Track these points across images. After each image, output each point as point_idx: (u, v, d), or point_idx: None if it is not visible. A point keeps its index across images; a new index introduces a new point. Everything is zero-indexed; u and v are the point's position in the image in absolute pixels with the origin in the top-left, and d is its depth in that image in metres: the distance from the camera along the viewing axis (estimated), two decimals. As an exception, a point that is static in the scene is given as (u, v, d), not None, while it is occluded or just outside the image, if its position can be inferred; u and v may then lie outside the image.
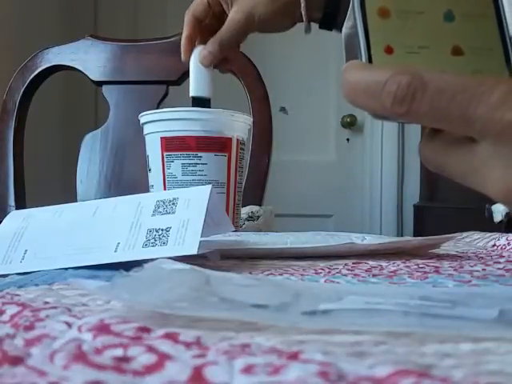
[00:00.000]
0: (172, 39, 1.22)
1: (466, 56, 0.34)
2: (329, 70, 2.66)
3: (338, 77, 2.59)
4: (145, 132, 0.82)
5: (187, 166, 0.77)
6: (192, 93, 0.81)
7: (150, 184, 0.81)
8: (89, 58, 1.23)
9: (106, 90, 1.24)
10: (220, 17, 0.85)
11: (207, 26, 0.86)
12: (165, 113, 0.79)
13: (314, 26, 0.82)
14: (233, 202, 0.80)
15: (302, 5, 0.79)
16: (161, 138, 0.79)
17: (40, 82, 1.25)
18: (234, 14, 0.82)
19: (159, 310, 0.28)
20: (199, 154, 0.77)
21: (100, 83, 1.24)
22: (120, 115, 1.23)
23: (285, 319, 0.28)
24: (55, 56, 1.24)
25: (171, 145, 0.78)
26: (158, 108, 1.17)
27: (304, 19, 0.80)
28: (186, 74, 1.21)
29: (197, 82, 0.81)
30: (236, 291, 0.32)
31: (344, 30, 0.73)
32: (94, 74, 1.23)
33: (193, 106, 0.80)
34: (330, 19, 0.80)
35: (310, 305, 0.29)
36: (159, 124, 0.79)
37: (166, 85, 1.22)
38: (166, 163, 0.78)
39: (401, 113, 0.32)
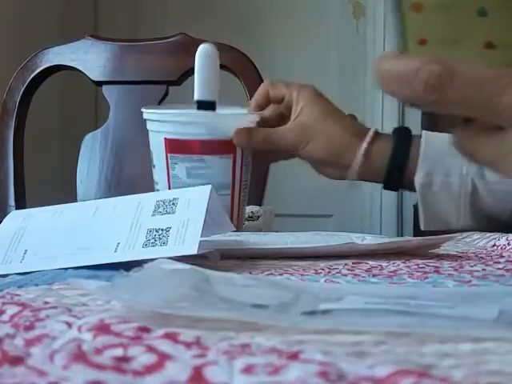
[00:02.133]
0: (172, 39, 1.22)
1: (498, 50, 0.36)
2: (329, 71, 2.66)
3: (338, 77, 2.59)
4: (148, 127, 0.80)
5: (191, 169, 0.76)
6: (196, 96, 0.79)
7: (155, 181, 0.80)
8: (89, 58, 1.23)
9: (106, 89, 1.24)
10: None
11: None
12: (168, 114, 0.78)
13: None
14: (238, 202, 0.79)
15: (359, 160, 0.77)
16: (164, 138, 0.77)
17: (40, 82, 1.25)
18: (290, 133, 0.79)
19: (159, 310, 0.28)
20: (203, 157, 0.75)
21: (100, 83, 1.24)
22: (120, 115, 1.23)
23: (285, 319, 0.28)
24: (55, 56, 1.23)
25: (175, 147, 0.77)
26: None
27: (356, 166, 0.78)
28: (185, 74, 1.21)
29: (201, 84, 0.78)
30: (236, 291, 0.32)
31: (417, 180, 0.74)
32: (94, 74, 1.23)
33: (198, 109, 0.79)
34: (395, 181, 0.78)
35: (309, 305, 0.29)
36: (163, 124, 0.78)
37: (166, 85, 1.22)
38: (170, 164, 0.77)
39: (431, 100, 0.33)
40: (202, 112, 0.78)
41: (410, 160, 0.76)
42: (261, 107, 0.82)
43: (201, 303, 0.30)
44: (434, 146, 0.76)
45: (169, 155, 0.77)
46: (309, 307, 0.29)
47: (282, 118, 0.81)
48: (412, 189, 0.78)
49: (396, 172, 0.77)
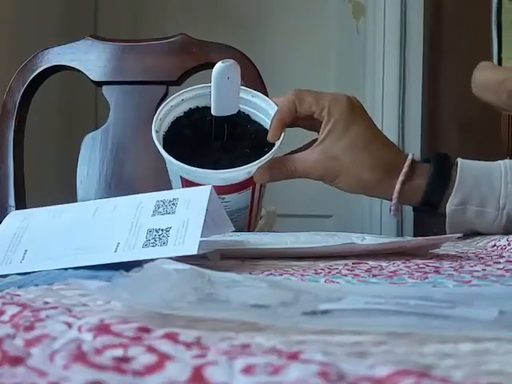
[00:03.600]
0: (172, 39, 1.22)
1: None
2: (329, 71, 2.66)
3: (338, 77, 2.59)
4: (161, 154, 0.73)
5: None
6: (213, 112, 0.73)
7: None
8: (89, 58, 1.23)
9: (106, 90, 1.24)
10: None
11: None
12: (182, 165, 0.70)
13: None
14: (255, 213, 0.77)
15: (394, 202, 0.74)
16: (181, 177, 0.73)
17: (40, 83, 1.25)
18: (315, 166, 0.74)
19: (159, 310, 0.28)
20: (222, 196, 0.71)
21: (100, 83, 1.24)
22: (120, 115, 1.23)
23: (285, 319, 0.28)
24: (55, 56, 1.24)
25: (192, 186, 0.69)
26: (157, 108, 1.17)
27: (392, 208, 0.75)
28: (185, 75, 1.21)
29: (218, 102, 0.73)
30: (236, 291, 0.32)
31: (449, 206, 0.72)
32: (94, 74, 1.23)
33: (215, 124, 0.74)
34: (429, 211, 0.75)
35: (310, 305, 0.29)
36: (178, 164, 0.71)
37: (166, 85, 1.22)
38: None
39: None
40: (219, 172, 0.72)
41: (444, 198, 0.73)
42: (285, 123, 0.75)
43: (201, 303, 0.30)
44: (470, 172, 0.73)
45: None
46: (309, 307, 0.29)
47: (312, 119, 0.75)
48: (442, 215, 0.75)
49: (428, 209, 0.76)
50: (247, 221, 0.78)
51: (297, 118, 0.76)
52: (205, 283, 0.33)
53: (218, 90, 0.72)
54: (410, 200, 0.75)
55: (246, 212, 0.76)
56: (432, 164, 0.74)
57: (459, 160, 0.74)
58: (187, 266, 0.36)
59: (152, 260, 0.37)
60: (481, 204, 0.72)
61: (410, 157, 0.75)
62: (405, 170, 0.73)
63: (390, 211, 0.76)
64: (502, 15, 0.40)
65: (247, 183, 0.74)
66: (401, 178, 0.73)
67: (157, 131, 0.74)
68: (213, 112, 0.74)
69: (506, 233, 0.73)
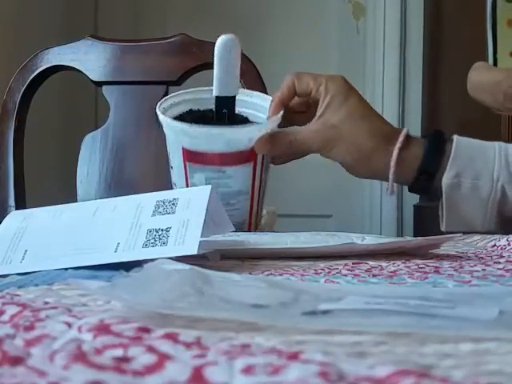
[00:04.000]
0: (172, 39, 1.22)
1: None
2: (329, 71, 2.65)
3: (338, 77, 2.59)
4: (163, 128, 0.76)
5: (211, 179, 0.73)
6: (215, 92, 0.75)
7: (173, 182, 0.78)
8: (89, 58, 1.23)
9: (106, 90, 1.24)
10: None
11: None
12: (186, 126, 0.72)
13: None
14: (257, 205, 0.78)
15: (392, 170, 0.74)
16: (182, 148, 0.74)
17: (40, 83, 1.25)
18: (314, 136, 0.76)
19: (159, 311, 0.28)
20: (223, 168, 0.73)
21: (100, 83, 1.24)
22: (120, 115, 1.23)
23: (285, 319, 0.28)
24: (55, 56, 1.23)
25: (193, 157, 0.73)
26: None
27: (389, 186, 0.76)
28: (186, 75, 1.21)
29: (219, 80, 0.75)
30: (236, 291, 0.32)
31: (445, 180, 0.73)
32: (94, 75, 1.23)
33: (216, 106, 0.76)
34: (425, 183, 0.76)
35: (309, 305, 0.29)
36: (180, 133, 0.73)
37: (166, 85, 1.22)
38: (188, 173, 0.74)
39: (510, 107, 0.38)
40: (220, 127, 0.74)
41: (440, 168, 0.74)
42: (285, 102, 0.77)
43: (201, 303, 0.30)
44: (465, 148, 0.73)
45: (187, 163, 0.74)
46: (309, 307, 0.29)
47: (308, 107, 0.78)
48: (438, 193, 0.75)
49: (424, 180, 0.76)
50: (248, 216, 0.77)
51: (294, 109, 0.78)
52: (205, 283, 0.33)
53: (221, 63, 0.75)
54: (408, 169, 0.76)
55: (246, 200, 0.76)
56: (427, 138, 0.76)
57: (455, 136, 0.74)
58: (187, 266, 0.36)
59: (152, 260, 0.37)
60: (475, 177, 0.73)
61: (405, 129, 0.77)
62: (401, 138, 0.74)
63: (387, 190, 0.77)
64: (497, 14, 0.40)
65: (248, 156, 0.74)
66: (398, 144, 0.74)
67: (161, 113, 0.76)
68: (215, 93, 0.75)
69: (501, 229, 0.73)
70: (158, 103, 0.78)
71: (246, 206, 0.76)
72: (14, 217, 0.58)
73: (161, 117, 0.75)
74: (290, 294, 0.32)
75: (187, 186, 0.75)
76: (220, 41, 0.76)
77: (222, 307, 0.29)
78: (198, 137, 0.73)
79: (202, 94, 0.77)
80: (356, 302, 0.30)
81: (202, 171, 0.74)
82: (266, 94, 1.19)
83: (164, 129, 0.77)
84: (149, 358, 0.22)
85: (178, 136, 0.74)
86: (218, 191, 0.71)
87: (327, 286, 0.41)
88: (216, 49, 0.76)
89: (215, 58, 0.75)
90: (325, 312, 0.28)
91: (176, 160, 0.76)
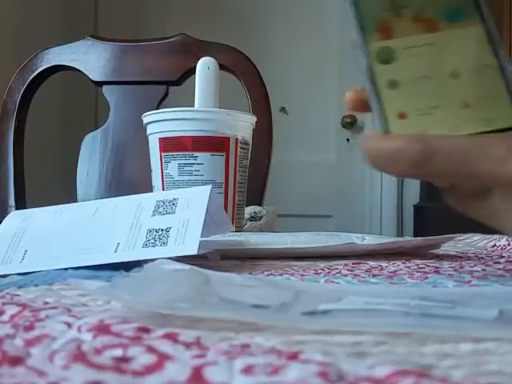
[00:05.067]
0: (172, 39, 1.22)
1: (474, 108, 0.37)
2: (329, 71, 2.66)
3: (338, 77, 2.59)
4: (147, 133, 0.82)
5: (183, 166, 0.76)
6: (196, 106, 0.81)
7: (153, 184, 0.81)
8: (89, 58, 1.23)
9: (106, 90, 1.24)
10: None
11: None
12: (162, 113, 0.79)
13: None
14: (232, 202, 0.80)
15: None
16: (159, 138, 0.79)
17: (40, 83, 1.25)
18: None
19: (159, 311, 0.28)
20: (195, 154, 0.77)
21: (100, 83, 1.24)
22: (120, 115, 1.23)
23: (285, 319, 0.28)
24: (55, 56, 1.24)
25: (168, 145, 0.78)
26: (158, 108, 1.17)
27: None
28: (186, 75, 1.21)
29: (200, 94, 0.81)
30: (236, 291, 0.32)
31: None
32: (94, 75, 1.23)
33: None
34: None
35: (309, 305, 0.29)
36: (157, 125, 0.79)
37: (166, 85, 1.22)
38: (163, 164, 0.78)
39: (418, 175, 0.37)
40: (192, 108, 0.79)
41: None
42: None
43: (201, 303, 0.30)
44: None
45: (162, 154, 0.78)
46: (309, 307, 0.29)
47: None
48: None
49: None
50: (223, 206, 0.78)
51: None
52: (205, 283, 0.33)
53: (200, 79, 0.81)
54: None
55: (219, 194, 0.77)
56: None
57: None
58: (187, 266, 0.36)
59: (152, 260, 0.37)
60: None
61: None
62: None
63: None
64: (376, 78, 0.39)
65: (220, 146, 0.78)
66: None
67: None
68: (196, 107, 0.80)
69: None
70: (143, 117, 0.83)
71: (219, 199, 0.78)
72: (14, 217, 0.58)
73: (144, 117, 0.81)
74: (290, 294, 0.32)
75: (162, 180, 0.77)
76: (200, 61, 0.82)
77: (222, 307, 0.29)
78: (172, 119, 0.78)
79: (182, 114, 0.80)
80: (355, 302, 0.30)
81: (175, 158, 0.77)
82: (266, 94, 1.20)
83: (147, 131, 0.82)
84: (148, 358, 0.22)
85: (157, 128, 0.79)
86: (190, 179, 0.75)
87: (327, 286, 0.41)
88: (197, 67, 0.81)
89: (196, 76, 0.81)
90: (324, 312, 0.28)
91: (154, 157, 0.80)
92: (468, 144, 0.35)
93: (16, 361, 0.22)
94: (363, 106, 0.41)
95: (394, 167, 0.36)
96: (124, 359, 0.22)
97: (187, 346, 0.24)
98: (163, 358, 0.22)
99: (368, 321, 0.28)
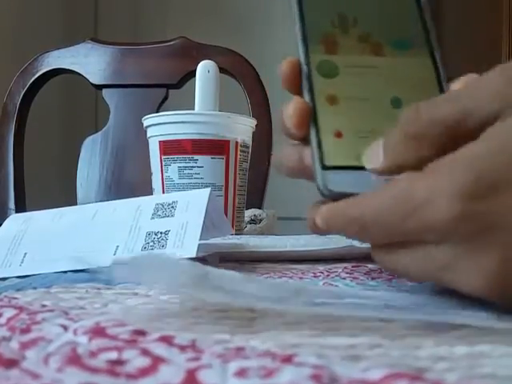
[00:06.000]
0: (172, 43, 1.22)
1: None
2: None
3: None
4: (147, 136, 0.82)
5: (183, 169, 0.77)
6: (196, 109, 0.81)
7: (153, 187, 0.82)
8: (89, 61, 1.23)
9: (106, 93, 1.24)
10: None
11: None
12: (162, 116, 0.80)
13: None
14: (232, 206, 0.80)
15: None
16: (159, 141, 0.79)
17: (40, 86, 1.25)
18: None
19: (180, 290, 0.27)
20: (195, 157, 0.77)
21: (100, 87, 1.25)
22: (120, 118, 1.23)
23: (285, 308, 0.28)
24: (55, 59, 1.24)
25: (168, 148, 0.78)
26: (158, 111, 1.17)
27: None
28: (186, 78, 1.21)
29: (200, 97, 0.81)
30: (236, 284, 0.32)
31: None
32: (94, 78, 1.23)
33: None
34: None
35: (309, 299, 0.29)
36: (158, 127, 0.79)
37: (166, 88, 1.23)
38: (163, 167, 0.78)
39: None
40: (193, 112, 0.79)
41: None
42: None
43: (202, 291, 0.29)
44: None
45: (163, 157, 0.78)
46: (309, 300, 0.29)
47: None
48: None
49: None
50: (223, 209, 0.79)
51: None
52: (203, 277, 0.33)
53: (201, 81, 0.81)
54: None
55: (219, 196, 0.77)
56: None
57: None
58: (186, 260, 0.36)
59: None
60: None
61: None
62: None
63: None
64: (315, 91, 0.37)
65: (220, 149, 0.78)
66: None
67: None
68: (196, 110, 0.81)
69: None
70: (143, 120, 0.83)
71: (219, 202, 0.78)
72: (14, 220, 0.58)
73: (144, 120, 0.82)
74: (290, 291, 0.31)
75: (162, 183, 0.78)
76: (200, 64, 0.82)
77: (222, 295, 0.29)
78: (172, 122, 0.78)
79: (182, 117, 0.80)
80: (352, 299, 0.30)
81: (175, 162, 0.77)
82: (266, 97, 1.20)
83: (147, 134, 0.82)
84: (143, 361, 0.22)
85: (157, 131, 0.79)
86: (190, 182, 0.75)
87: (324, 287, 0.41)
88: (197, 70, 0.81)
89: (196, 79, 0.81)
90: (324, 303, 0.28)
91: (154, 160, 0.80)
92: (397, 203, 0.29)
93: (11, 363, 0.22)
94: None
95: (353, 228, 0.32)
96: (118, 362, 0.22)
97: (182, 348, 0.24)
98: (158, 360, 0.22)
99: (364, 311, 0.28)
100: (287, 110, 0.37)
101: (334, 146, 0.36)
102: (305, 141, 0.38)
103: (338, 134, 0.36)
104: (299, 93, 0.39)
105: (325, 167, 0.36)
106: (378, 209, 0.30)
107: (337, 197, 0.35)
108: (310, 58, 0.38)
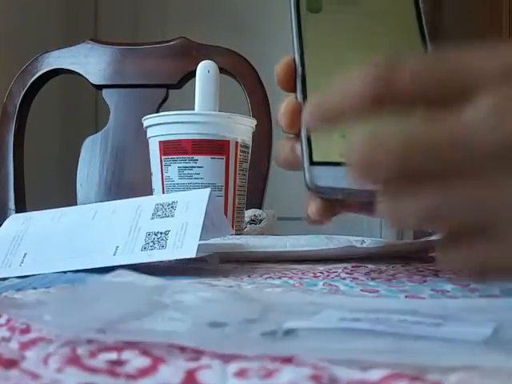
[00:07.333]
0: (172, 43, 1.22)
1: None
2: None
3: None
4: (147, 136, 0.82)
5: (183, 170, 0.77)
6: (196, 109, 0.81)
7: (153, 187, 0.81)
8: (89, 61, 1.23)
9: (106, 93, 1.24)
10: None
11: None
12: (162, 116, 0.80)
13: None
14: (232, 206, 0.80)
15: None
16: (159, 141, 0.79)
17: (40, 86, 1.25)
18: None
19: (85, 335, 0.25)
20: (195, 157, 0.77)
21: (100, 87, 1.25)
22: (120, 119, 1.23)
23: (232, 344, 0.24)
24: (55, 60, 1.24)
25: (168, 148, 0.78)
26: (158, 111, 1.17)
27: None
28: (186, 78, 1.21)
29: (200, 97, 0.81)
30: (197, 305, 0.29)
31: None
32: (94, 78, 1.23)
33: None
34: None
35: (274, 323, 0.26)
36: (158, 128, 0.79)
37: (166, 88, 1.23)
38: (164, 167, 0.78)
39: (380, 106, 0.29)
40: (193, 112, 0.79)
41: None
42: None
43: (149, 321, 0.27)
44: None
45: (163, 158, 0.78)
46: (272, 326, 0.26)
47: None
48: None
49: None
50: (223, 209, 0.79)
51: None
52: (161, 296, 0.30)
53: (201, 81, 0.80)
54: None
55: (220, 197, 0.77)
56: None
57: None
58: (145, 278, 0.32)
59: (150, 263, 0.36)
60: None
61: None
62: None
63: None
64: (308, 91, 0.37)
65: (220, 149, 0.77)
66: None
67: None
68: (196, 110, 0.80)
69: None
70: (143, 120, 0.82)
71: (219, 202, 0.78)
72: (14, 220, 0.58)
73: (144, 121, 0.81)
74: (258, 309, 0.28)
75: (162, 183, 0.78)
76: (200, 64, 0.82)
77: (171, 325, 0.26)
78: (172, 123, 0.78)
79: (182, 118, 0.80)
80: (329, 318, 0.26)
81: (175, 162, 0.77)
82: (266, 97, 1.20)
83: (147, 134, 0.82)
84: (142, 362, 0.22)
85: (157, 131, 0.79)
86: (190, 182, 0.75)
87: (303, 296, 0.36)
88: (197, 70, 0.81)
89: (196, 79, 0.81)
90: (288, 332, 0.25)
91: (154, 160, 0.80)
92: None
93: (10, 363, 0.22)
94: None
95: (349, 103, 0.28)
96: (118, 362, 0.22)
97: (182, 349, 0.24)
98: (157, 361, 0.22)
99: (335, 345, 0.24)
100: (280, 108, 0.39)
101: (322, 142, 0.36)
102: (298, 136, 0.40)
103: (327, 132, 0.37)
104: (294, 91, 0.40)
105: (312, 163, 0.37)
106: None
107: (322, 191, 0.36)
108: (304, 57, 0.39)
